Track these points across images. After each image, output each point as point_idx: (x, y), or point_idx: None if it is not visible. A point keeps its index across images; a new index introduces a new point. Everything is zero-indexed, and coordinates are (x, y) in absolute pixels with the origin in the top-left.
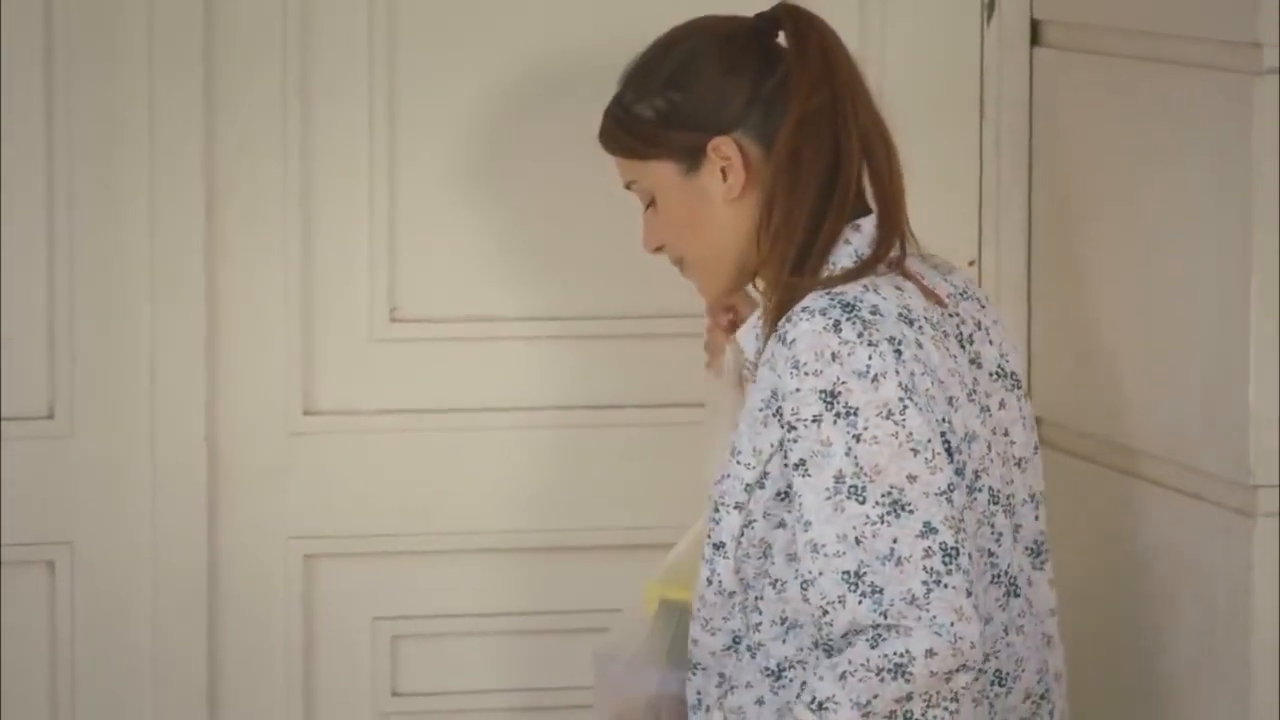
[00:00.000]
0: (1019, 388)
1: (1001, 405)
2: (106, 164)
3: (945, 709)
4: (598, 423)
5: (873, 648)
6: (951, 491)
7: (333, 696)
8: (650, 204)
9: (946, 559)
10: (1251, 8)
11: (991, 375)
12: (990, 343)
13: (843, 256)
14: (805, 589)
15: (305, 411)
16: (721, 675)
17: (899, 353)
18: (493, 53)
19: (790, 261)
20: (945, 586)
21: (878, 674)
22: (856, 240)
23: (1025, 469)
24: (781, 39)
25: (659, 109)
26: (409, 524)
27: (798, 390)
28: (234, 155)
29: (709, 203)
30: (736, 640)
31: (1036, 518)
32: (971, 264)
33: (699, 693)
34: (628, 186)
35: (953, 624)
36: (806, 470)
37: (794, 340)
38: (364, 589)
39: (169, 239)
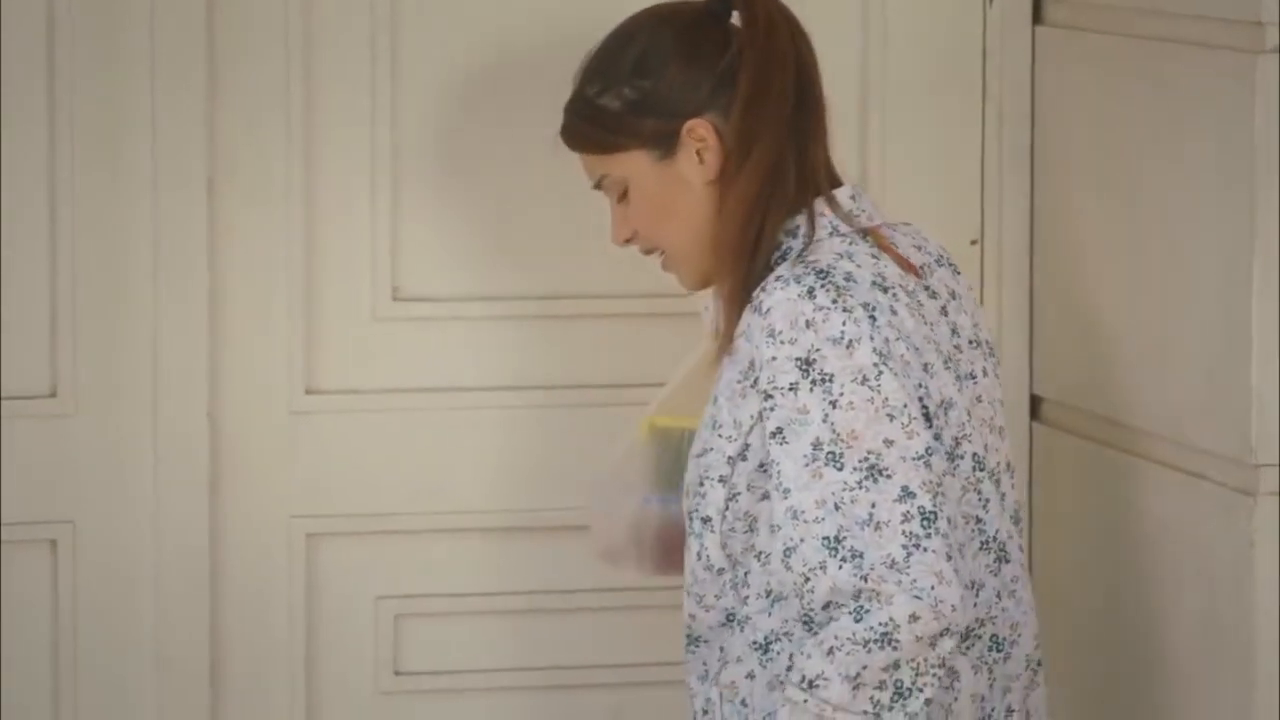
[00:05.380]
0: (993, 356)
1: (984, 373)
2: (109, 144)
3: (934, 675)
4: (601, 401)
5: (857, 621)
6: (929, 456)
7: (335, 675)
8: (621, 197)
9: (925, 523)
10: None
11: (971, 343)
12: (965, 312)
13: (818, 228)
14: (787, 555)
15: (307, 390)
16: (722, 648)
17: (873, 318)
18: (495, 34)
19: (749, 233)
20: (925, 550)
21: (864, 645)
22: (828, 212)
23: (1004, 438)
24: (735, 19)
25: (627, 98)
26: (412, 503)
27: (774, 359)
28: (237, 135)
29: (686, 187)
30: (730, 617)
31: (1013, 486)
32: (974, 243)
33: (704, 664)
34: (596, 185)
35: (933, 587)
36: (784, 438)
37: (769, 309)
38: (366, 568)
39: (171, 218)
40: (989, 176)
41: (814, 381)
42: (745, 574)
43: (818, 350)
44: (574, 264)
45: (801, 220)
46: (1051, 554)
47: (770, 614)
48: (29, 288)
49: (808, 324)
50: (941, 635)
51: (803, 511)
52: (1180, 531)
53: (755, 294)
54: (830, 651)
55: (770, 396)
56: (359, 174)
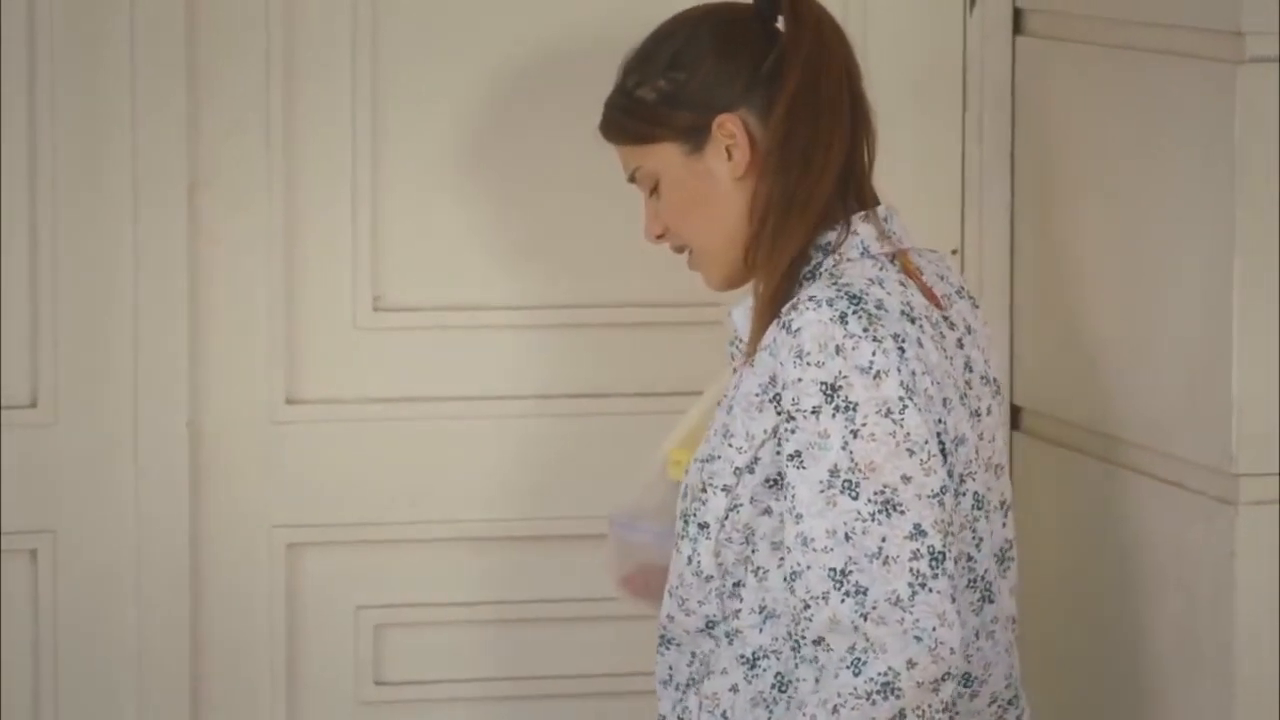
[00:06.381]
0: (999, 394)
1: (988, 411)
2: (89, 150)
3: None
4: (581, 411)
5: (856, 675)
6: (943, 494)
7: (316, 685)
8: (653, 191)
9: (934, 563)
10: None
11: (981, 379)
12: (978, 347)
13: (850, 247)
14: (792, 580)
15: (288, 400)
16: (693, 654)
17: (902, 350)
18: (478, 39)
19: (783, 240)
20: (930, 591)
21: (868, 698)
22: (864, 231)
23: (1000, 475)
24: (780, 23)
25: (661, 90)
26: (392, 513)
27: (799, 380)
28: (217, 142)
29: (715, 183)
30: (710, 624)
31: (1004, 524)
32: (954, 252)
33: (670, 668)
34: (631, 179)
35: (934, 629)
36: (801, 462)
37: (799, 329)
38: (347, 578)
39: (152, 226)
40: (969, 186)
41: (837, 408)
42: (734, 585)
43: (845, 377)
44: (557, 273)
45: (835, 235)
46: (1032, 563)
47: (761, 630)
48: (9, 296)
49: (837, 349)
50: (943, 679)
51: (813, 539)
52: (1161, 541)
53: (785, 311)
54: (835, 710)
55: (792, 418)
56: (340, 182)
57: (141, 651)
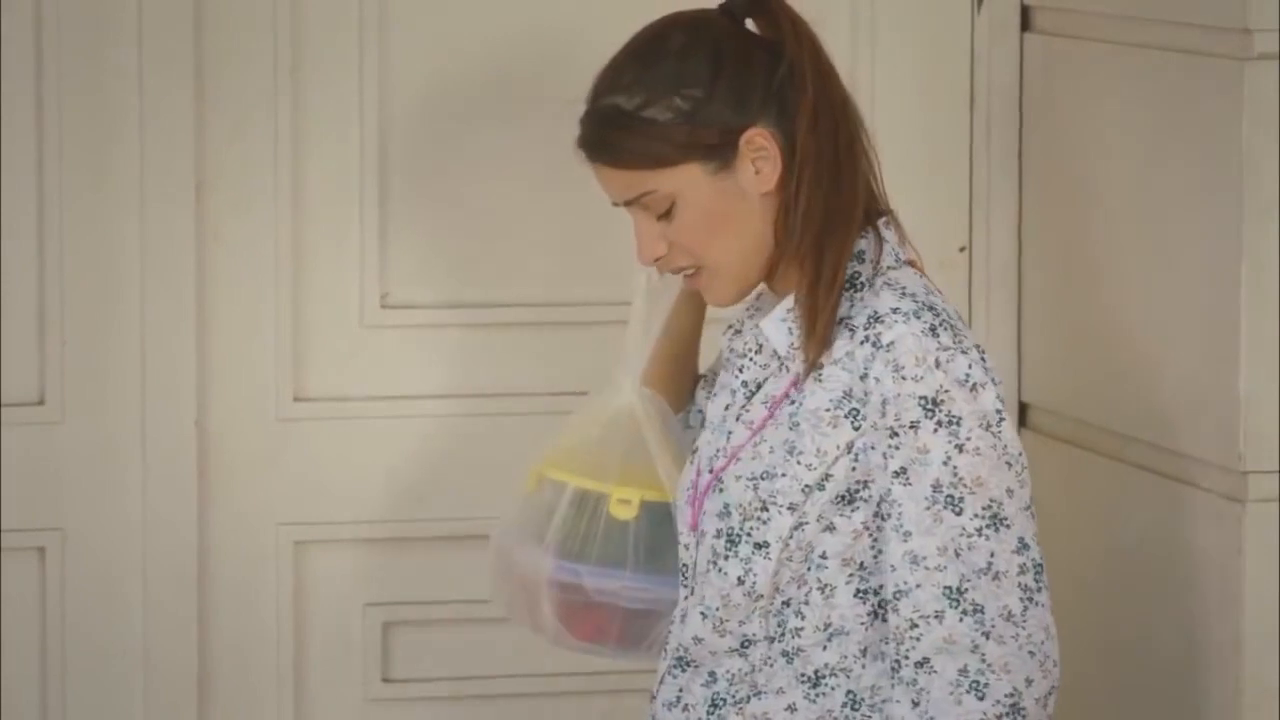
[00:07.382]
0: None
1: None
2: (97, 150)
3: None
4: None
5: (980, 699)
6: (1033, 505)
7: (324, 683)
8: (663, 214)
9: (1037, 576)
10: None
11: None
12: None
13: (886, 255)
14: (897, 598)
15: (296, 398)
16: (712, 674)
17: (983, 360)
18: (484, 40)
19: (831, 253)
20: (1037, 605)
21: None
22: (890, 238)
23: None
24: (750, 26)
25: (679, 109)
26: (400, 510)
27: (898, 395)
28: (224, 141)
29: (743, 199)
30: (745, 644)
31: None
32: (962, 250)
33: (681, 690)
34: (630, 203)
35: (1043, 642)
36: (907, 478)
37: (891, 343)
38: (355, 575)
39: (159, 225)
40: (978, 183)
41: (939, 423)
42: (783, 604)
43: (946, 391)
44: (562, 271)
45: (866, 244)
46: None
47: (826, 648)
48: (17, 295)
49: (936, 364)
50: (1050, 693)
51: (924, 558)
52: (1169, 538)
53: (866, 324)
54: None
55: (895, 434)
56: (347, 180)
57: (148, 649)
